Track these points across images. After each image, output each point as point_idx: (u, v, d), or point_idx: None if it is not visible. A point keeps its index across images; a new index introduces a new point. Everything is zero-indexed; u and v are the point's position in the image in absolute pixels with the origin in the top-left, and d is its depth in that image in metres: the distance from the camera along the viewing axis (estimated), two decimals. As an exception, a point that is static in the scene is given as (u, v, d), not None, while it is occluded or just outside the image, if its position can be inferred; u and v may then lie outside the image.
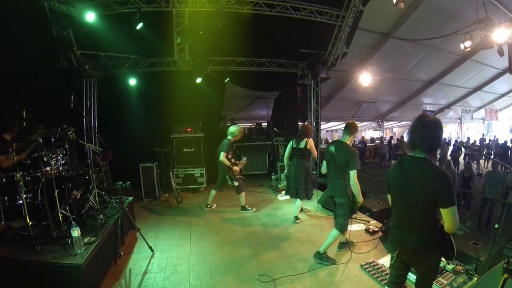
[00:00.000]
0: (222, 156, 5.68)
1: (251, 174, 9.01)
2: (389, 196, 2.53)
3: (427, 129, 2.20)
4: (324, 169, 4.09)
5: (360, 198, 3.84)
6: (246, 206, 6.09)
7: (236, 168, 5.84)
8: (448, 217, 2.10)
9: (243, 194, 6.04)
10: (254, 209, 6.08)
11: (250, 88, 10.40)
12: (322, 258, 3.89)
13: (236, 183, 5.87)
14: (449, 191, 2.10)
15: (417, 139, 2.23)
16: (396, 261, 2.44)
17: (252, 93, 12.03)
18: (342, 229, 3.92)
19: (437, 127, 2.22)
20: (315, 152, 5.43)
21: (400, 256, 2.41)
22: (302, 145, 5.31)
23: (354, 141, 6.51)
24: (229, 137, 5.84)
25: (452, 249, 2.25)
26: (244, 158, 6.16)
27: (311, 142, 5.34)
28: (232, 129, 5.89)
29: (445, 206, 2.09)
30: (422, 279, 2.42)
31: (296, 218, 5.43)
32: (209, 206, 6.32)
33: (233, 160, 5.87)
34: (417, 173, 2.21)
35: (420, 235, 2.21)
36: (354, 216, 4.12)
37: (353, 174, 3.69)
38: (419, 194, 2.17)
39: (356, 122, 4.12)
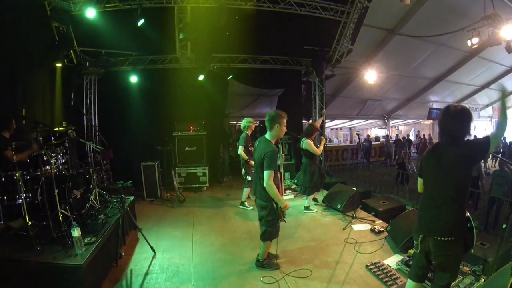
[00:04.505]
0: (240, 149, 5.94)
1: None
2: (419, 181, 2.62)
3: (451, 120, 2.33)
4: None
5: (281, 203, 3.34)
6: (245, 202, 6.24)
7: (252, 162, 5.91)
8: (495, 140, 2.24)
9: (249, 189, 6.16)
10: (252, 207, 6.04)
11: (254, 85, 10.30)
12: (263, 265, 3.71)
13: (249, 178, 6.05)
14: (477, 141, 2.30)
15: (443, 130, 2.39)
16: (419, 249, 2.47)
17: (255, 91, 11.93)
18: (269, 237, 3.55)
19: (461, 117, 2.31)
20: (314, 151, 5.57)
21: (423, 244, 2.42)
22: (301, 145, 5.73)
23: (359, 139, 6.45)
24: (245, 131, 6.10)
25: (472, 239, 2.34)
26: None
27: (308, 142, 5.58)
28: (244, 123, 6.16)
29: (487, 148, 2.21)
30: (442, 275, 2.40)
31: (306, 208, 5.92)
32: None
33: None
34: (448, 153, 2.33)
35: (446, 218, 2.29)
36: (282, 222, 3.55)
37: (266, 175, 3.22)
38: (450, 171, 2.29)
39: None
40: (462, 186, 2.31)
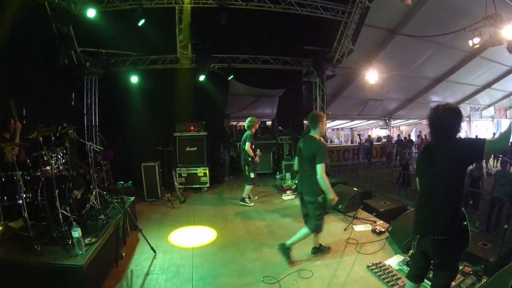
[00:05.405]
0: (247, 146, 6.06)
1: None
2: (417, 180, 2.62)
3: (440, 119, 2.33)
4: (296, 166, 4.00)
5: (331, 195, 3.55)
6: (246, 199, 6.33)
7: (257, 160, 6.25)
8: (492, 147, 2.20)
9: (251, 187, 6.33)
10: (253, 204, 6.31)
11: (254, 85, 10.28)
12: (320, 250, 3.99)
13: (252, 175, 6.20)
14: (470, 141, 2.31)
15: (433, 129, 2.40)
16: (416, 251, 2.48)
17: (256, 91, 11.92)
18: (316, 229, 3.80)
19: (450, 115, 2.30)
20: None
21: (420, 244, 2.42)
22: None
23: (360, 139, 6.46)
24: (249, 130, 6.24)
25: (467, 239, 2.40)
26: (258, 150, 6.39)
27: None
28: (248, 122, 6.31)
29: (480, 152, 2.15)
30: (440, 274, 2.41)
31: None
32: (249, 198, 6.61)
33: (257, 152, 6.35)
34: (439, 150, 2.33)
35: (440, 217, 2.29)
36: (326, 215, 3.91)
37: (319, 168, 3.48)
38: (442, 169, 2.27)
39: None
40: (454, 185, 2.28)
